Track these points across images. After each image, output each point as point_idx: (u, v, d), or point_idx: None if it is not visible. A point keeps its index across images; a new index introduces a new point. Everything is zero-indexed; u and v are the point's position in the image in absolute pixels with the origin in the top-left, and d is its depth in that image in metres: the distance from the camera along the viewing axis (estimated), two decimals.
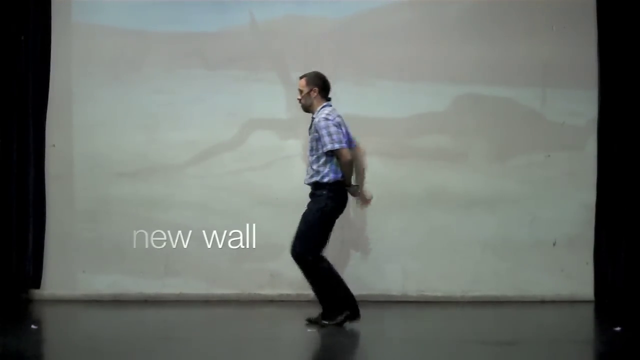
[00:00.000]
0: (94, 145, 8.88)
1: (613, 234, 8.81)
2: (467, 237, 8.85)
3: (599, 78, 8.84)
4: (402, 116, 8.90)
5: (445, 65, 8.88)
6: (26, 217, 8.79)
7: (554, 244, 8.87)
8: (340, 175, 7.39)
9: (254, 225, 8.76)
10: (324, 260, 7.36)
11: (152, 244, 8.80)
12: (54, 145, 8.89)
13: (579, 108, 8.90)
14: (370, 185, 8.76)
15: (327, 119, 7.38)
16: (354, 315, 7.35)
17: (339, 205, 7.44)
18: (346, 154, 7.35)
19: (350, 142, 7.50)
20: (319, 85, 7.51)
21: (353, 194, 7.52)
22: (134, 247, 8.77)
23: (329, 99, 7.54)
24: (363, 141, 8.77)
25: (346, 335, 7.24)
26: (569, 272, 8.84)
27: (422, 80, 8.89)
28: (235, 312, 8.42)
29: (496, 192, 8.88)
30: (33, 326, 7.41)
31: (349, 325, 7.34)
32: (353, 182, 7.48)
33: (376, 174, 8.81)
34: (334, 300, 7.36)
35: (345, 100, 8.61)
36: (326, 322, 7.34)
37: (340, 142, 7.34)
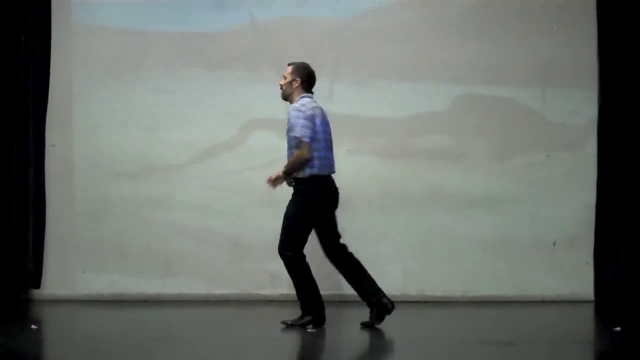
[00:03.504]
0: (94, 145, 8.89)
1: (613, 234, 8.81)
2: (467, 237, 8.86)
3: (599, 78, 8.85)
4: (402, 116, 8.90)
5: (445, 65, 8.88)
6: (26, 217, 8.80)
7: (554, 244, 8.87)
8: (315, 169, 7.26)
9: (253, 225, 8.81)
10: (300, 260, 7.32)
11: (152, 244, 8.83)
12: (54, 145, 8.89)
13: (579, 108, 8.91)
14: (370, 185, 8.81)
15: (299, 110, 7.26)
16: (319, 321, 7.31)
17: (320, 200, 7.29)
18: (305, 151, 7.19)
19: (324, 141, 7.32)
20: (302, 77, 7.38)
21: (289, 185, 7.37)
22: (134, 247, 8.80)
23: (311, 93, 7.43)
24: (363, 141, 8.80)
25: (346, 335, 7.24)
26: (569, 272, 8.85)
27: (422, 80, 8.90)
28: (235, 312, 8.42)
29: (496, 192, 8.89)
30: (33, 326, 7.41)
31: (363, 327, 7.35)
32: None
33: (376, 174, 8.83)
34: (301, 300, 7.36)
35: (345, 100, 8.63)
36: (289, 322, 7.36)
37: (306, 136, 7.22)
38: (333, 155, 7.42)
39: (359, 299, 7.46)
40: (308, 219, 7.32)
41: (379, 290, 7.33)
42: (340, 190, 7.39)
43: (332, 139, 7.44)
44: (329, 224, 7.41)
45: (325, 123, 7.39)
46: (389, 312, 7.32)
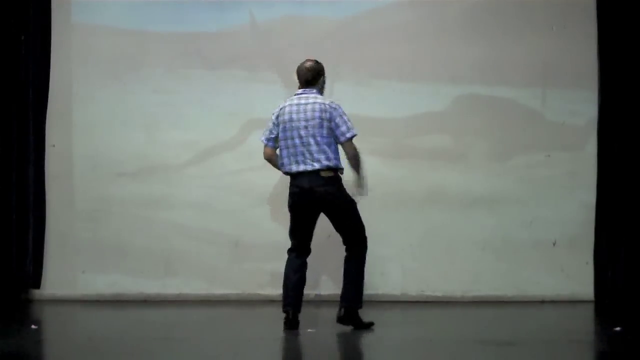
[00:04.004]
0: (94, 145, 8.89)
1: (613, 234, 8.81)
2: (467, 237, 8.86)
3: (599, 78, 8.84)
4: (401, 116, 8.91)
5: (445, 65, 8.88)
6: (26, 217, 8.80)
7: (554, 244, 8.87)
8: (284, 168, 7.33)
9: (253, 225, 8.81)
10: (289, 255, 7.37)
11: (152, 244, 8.83)
12: (54, 145, 8.89)
13: (579, 108, 8.91)
14: (370, 185, 8.79)
15: (273, 113, 7.44)
16: (286, 323, 7.32)
17: (290, 197, 7.33)
18: (264, 152, 7.43)
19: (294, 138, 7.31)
20: (297, 77, 7.46)
21: None
22: (134, 247, 8.80)
23: (306, 88, 7.40)
24: (363, 141, 8.79)
25: (346, 336, 7.24)
26: (569, 272, 8.85)
27: (422, 80, 8.90)
28: (235, 312, 8.42)
29: (496, 192, 8.89)
30: (33, 326, 7.41)
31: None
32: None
33: (376, 173, 8.81)
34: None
35: (345, 100, 8.59)
36: None
37: (266, 137, 7.40)
38: (302, 152, 7.25)
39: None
40: (293, 217, 7.37)
41: (341, 300, 7.37)
42: None
43: (315, 134, 7.25)
44: (333, 223, 7.43)
45: (297, 119, 7.27)
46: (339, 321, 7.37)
